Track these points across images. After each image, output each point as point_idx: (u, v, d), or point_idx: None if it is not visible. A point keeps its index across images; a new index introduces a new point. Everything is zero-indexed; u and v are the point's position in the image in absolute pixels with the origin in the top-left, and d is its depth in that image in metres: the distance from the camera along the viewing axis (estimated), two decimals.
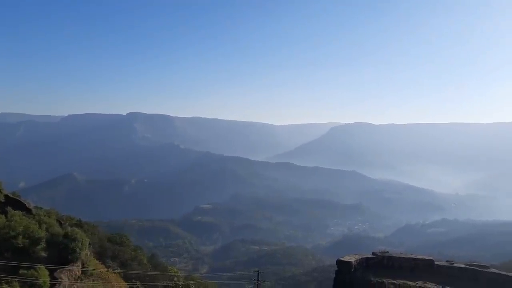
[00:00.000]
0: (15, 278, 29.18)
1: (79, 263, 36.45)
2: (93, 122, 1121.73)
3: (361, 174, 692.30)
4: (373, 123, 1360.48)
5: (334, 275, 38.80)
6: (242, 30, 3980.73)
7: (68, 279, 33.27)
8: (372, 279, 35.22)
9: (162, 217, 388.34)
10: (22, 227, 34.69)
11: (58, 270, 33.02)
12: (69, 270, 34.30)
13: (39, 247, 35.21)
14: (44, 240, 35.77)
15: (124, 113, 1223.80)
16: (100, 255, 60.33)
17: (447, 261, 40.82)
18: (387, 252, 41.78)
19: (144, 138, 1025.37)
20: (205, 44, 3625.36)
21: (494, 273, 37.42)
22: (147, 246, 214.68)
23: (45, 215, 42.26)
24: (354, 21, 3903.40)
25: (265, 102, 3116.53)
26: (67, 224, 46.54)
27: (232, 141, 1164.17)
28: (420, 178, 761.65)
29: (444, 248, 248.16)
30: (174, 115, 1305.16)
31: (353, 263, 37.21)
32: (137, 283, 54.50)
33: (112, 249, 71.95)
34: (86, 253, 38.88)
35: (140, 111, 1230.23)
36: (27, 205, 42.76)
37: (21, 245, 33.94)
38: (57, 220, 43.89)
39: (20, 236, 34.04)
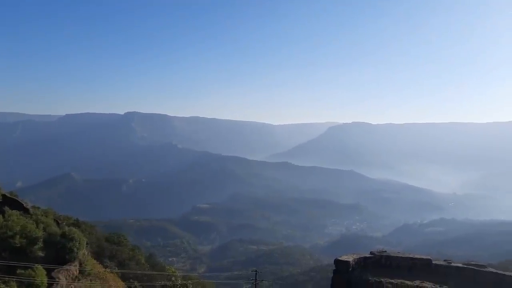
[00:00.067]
0: (13, 278, 29.12)
1: (76, 263, 36.42)
2: (91, 122, 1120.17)
3: (359, 173, 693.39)
4: (371, 122, 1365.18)
5: (332, 275, 38.79)
6: (241, 30, 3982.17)
7: (66, 279, 33.22)
8: (370, 278, 35.24)
9: (160, 217, 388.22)
10: (19, 226, 34.65)
11: (56, 270, 32.99)
12: (67, 270, 34.27)
13: (36, 246, 35.17)
14: (41, 239, 35.73)
15: (122, 113, 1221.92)
16: (98, 255, 60.23)
17: (445, 261, 40.84)
18: (385, 251, 41.77)
19: (142, 137, 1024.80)
20: (203, 43, 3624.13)
21: (492, 272, 37.47)
22: (145, 246, 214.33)
23: (42, 215, 42.23)
24: (353, 22, 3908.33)
25: (263, 102, 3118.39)
26: (64, 223, 46.48)
27: (231, 140, 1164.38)
28: (418, 178, 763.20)
29: (442, 247, 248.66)
30: (172, 115, 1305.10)
31: (351, 262, 37.20)
32: (135, 283, 54.45)
33: (110, 249, 71.87)
34: (83, 252, 38.84)
35: (138, 111, 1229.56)
36: (24, 205, 42.67)
37: (19, 245, 33.90)
38: (54, 219, 43.85)
39: (18, 236, 34.00)
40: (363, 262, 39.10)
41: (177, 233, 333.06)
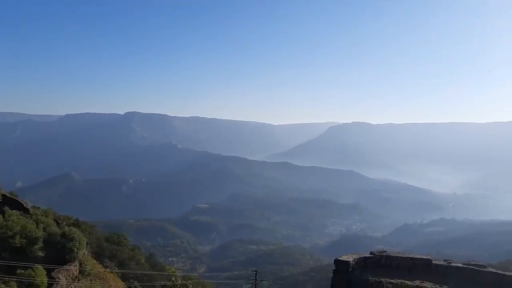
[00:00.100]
0: (13, 278, 29.12)
1: (76, 263, 36.42)
2: (91, 122, 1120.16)
3: (359, 173, 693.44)
4: (371, 122, 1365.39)
5: (332, 275, 38.81)
6: (241, 30, 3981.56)
7: (66, 279, 33.22)
8: (370, 278, 35.24)
9: (160, 217, 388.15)
10: (19, 226, 34.65)
11: (56, 270, 32.99)
12: (67, 270, 34.27)
13: (36, 246, 35.17)
14: (41, 239, 35.73)
15: (122, 113, 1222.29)
16: (98, 255, 60.24)
17: (445, 261, 40.84)
18: (385, 251, 41.78)
19: (142, 137, 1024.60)
20: (203, 43, 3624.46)
21: (492, 272, 37.48)
22: (145, 246, 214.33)
23: (42, 215, 42.23)
24: (352, 22, 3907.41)
25: (263, 102, 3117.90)
26: (64, 223, 46.49)
27: (231, 140, 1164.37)
28: (418, 178, 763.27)
29: (442, 247, 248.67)
30: (172, 115, 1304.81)
31: (351, 262, 37.21)
32: (135, 283, 54.45)
33: (110, 249, 71.88)
34: (83, 252, 38.83)
35: (138, 111, 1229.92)
36: (24, 205, 42.67)
37: (19, 245, 33.90)
38: (54, 219, 43.85)
39: (18, 236, 34.00)
40: (363, 262, 39.11)
41: (177, 233, 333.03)
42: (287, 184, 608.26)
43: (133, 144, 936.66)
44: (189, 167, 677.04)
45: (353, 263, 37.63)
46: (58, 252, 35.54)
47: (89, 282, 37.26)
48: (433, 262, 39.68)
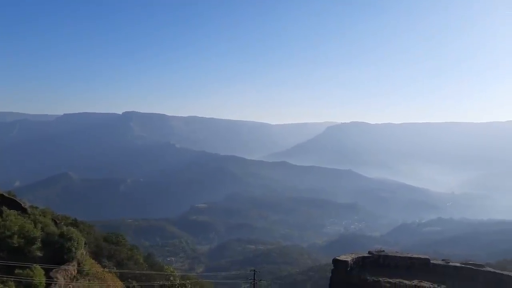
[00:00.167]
0: (11, 278, 29.07)
1: (74, 263, 36.35)
2: (89, 121, 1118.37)
3: (357, 173, 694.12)
4: (369, 122, 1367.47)
5: (330, 274, 38.90)
6: (239, 29, 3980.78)
7: (64, 278, 33.17)
8: (368, 278, 35.33)
9: (158, 217, 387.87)
10: (17, 226, 34.56)
11: (54, 269, 32.93)
12: (65, 269, 34.21)
13: (34, 246, 35.09)
14: (39, 239, 35.65)
15: (120, 112, 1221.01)
16: (96, 255, 60.17)
17: (442, 260, 40.99)
18: (383, 251, 41.91)
19: (140, 137, 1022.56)
20: (201, 43, 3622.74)
21: (490, 271, 37.62)
22: (143, 246, 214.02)
23: (40, 215, 42.11)
24: (350, 22, 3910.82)
25: (261, 102, 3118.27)
26: (62, 223, 46.39)
27: (228, 140, 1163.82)
28: (416, 177, 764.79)
29: (440, 247, 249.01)
30: (170, 114, 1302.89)
31: (349, 262, 37.31)
32: (133, 283, 54.39)
33: (108, 249, 71.79)
34: (82, 252, 38.77)
35: (136, 110, 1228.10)
36: (22, 205, 42.54)
37: (17, 245, 33.82)
38: (52, 219, 43.74)
39: (16, 236, 33.92)
40: (361, 262, 39.21)
41: (175, 232, 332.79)
42: (285, 183, 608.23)
43: (131, 143, 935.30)
44: (187, 166, 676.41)
45: (351, 262, 37.73)
46: (56, 252, 35.47)
47: (87, 282, 37.20)
48: (431, 261, 39.83)
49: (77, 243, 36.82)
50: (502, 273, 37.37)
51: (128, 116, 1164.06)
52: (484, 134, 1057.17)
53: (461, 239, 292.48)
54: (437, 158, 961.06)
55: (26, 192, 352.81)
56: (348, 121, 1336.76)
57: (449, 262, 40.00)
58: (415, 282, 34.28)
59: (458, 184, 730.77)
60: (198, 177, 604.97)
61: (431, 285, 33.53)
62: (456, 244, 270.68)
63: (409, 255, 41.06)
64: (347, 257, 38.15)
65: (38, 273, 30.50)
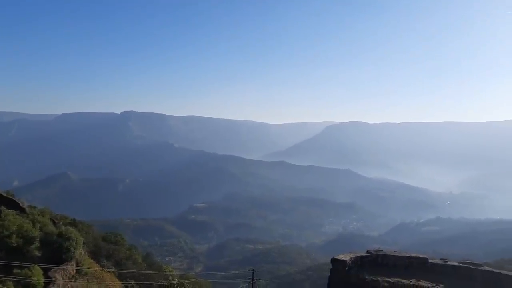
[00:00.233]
0: (9, 277, 29.04)
1: (73, 262, 36.31)
2: (88, 121, 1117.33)
3: (355, 172, 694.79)
4: (368, 122, 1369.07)
5: (329, 274, 38.94)
6: (238, 29, 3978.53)
7: (62, 278, 33.15)
8: (366, 277, 35.38)
9: (157, 216, 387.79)
10: (16, 226, 34.51)
11: (52, 269, 32.88)
12: (63, 269, 34.16)
13: (33, 246, 35.04)
14: (38, 239, 35.60)
15: (119, 112, 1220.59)
16: (95, 254, 60.15)
17: (441, 259, 41.06)
18: (382, 250, 41.96)
19: (138, 137, 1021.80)
20: (200, 43, 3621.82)
21: (488, 271, 37.69)
22: (142, 245, 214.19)
23: (39, 214, 42.08)
24: (350, 21, 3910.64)
25: (260, 101, 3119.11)
26: (61, 223, 46.34)
27: (227, 140, 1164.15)
28: (415, 177, 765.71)
29: (438, 246, 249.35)
30: (169, 114, 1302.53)
31: (347, 261, 37.34)
32: (132, 282, 54.36)
33: (107, 248, 71.76)
34: (80, 252, 38.73)
35: (135, 110, 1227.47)
36: (21, 204, 42.49)
37: (15, 245, 33.77)
38: (51, 219, 43.70)
39: (14, 236, 33.86)
40: (359, 261, 39.26)
41: (174, 232, 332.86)
42: (283, 183, 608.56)
43: (130, 143, 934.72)
44: (186, 166, 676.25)
45: (350, 262, 37.76)
46: (55, 252, 35.41)
47: (86, 281, 37.18)
48: (429, 260, 39.89)
49: (75, 243, 36.78)
50: (500, 272, 37.44)
51: (127, 115, 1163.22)
52: (483, 134, 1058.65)
53: (459, 238, 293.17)
54: (436, 157, 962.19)
55: (24, 192, 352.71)
56: (347, 121, 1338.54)
57: (447, 261, 40.07)
58: (413, 281, 34.34)
59: (457, 184, 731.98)
60: (196, 176, 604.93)
61: (429, 284, 33.59)
62: (455, 244, 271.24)
63: (407, 255, 41.12)
64: (346, 257, 38.19)
65: (36, 273, 30.46)
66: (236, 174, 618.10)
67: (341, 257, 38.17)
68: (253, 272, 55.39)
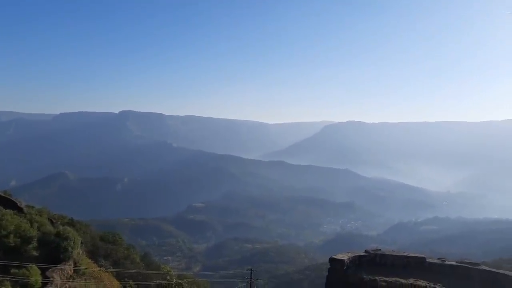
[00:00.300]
0: (7, 277, 28.97)
1: (71, 262, 36.25)
2: (86, 120, 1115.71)
3: (354, 172, 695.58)
4: (366, 121, 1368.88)
5: (327, 273, 38.97)
6: (236, 29, 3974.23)
7: (60, 278, 33.08)
8: (364, 276, 35.41)
9: (155, 216, 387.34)
10: (13, 226, 34.43)
11: (50, 269, 32.82)
12: (61, 269, 34.09)
13: (30, 246, 34.97)
14: (35, 239, 35.53)
15: (117, 112, 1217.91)
16: (93, 254, 60.05)
17: (438, 259, 41.14)
18: (380, 250, 42.03)
19: (136, 136, 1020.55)
20: (199, 42, 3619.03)
21: (485, 270, 37.78)
22: (140, 245, 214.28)
23: (36, 214, 42.00)
24: (349, 21, 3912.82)
25: (258, 101, 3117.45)
26: (59, 223, 46.23)
27: (225, 139, 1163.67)
28: (413, 176, 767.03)
29: (436, 245, 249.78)
30: (167, 114, 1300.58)
31: (345, 261, 37.40)
32: (130, 282, 54.28)
33: (105, 248, 71.68)
34: (78, 252, 38.65)
35: (133, 109, 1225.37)
36: (18, 204, 42.41)
37: (13, 244, 33.69)
38: (48, 219, 43.62)
39: (12, 235, 33.79)
40: (358, 261, 39.31)
41: (172, 232, 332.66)
42: (282, 183, 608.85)
43: (128, 143, 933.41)
44: (184, 166, 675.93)
45: (348, 261, 37.81)
46: (53, 252, 35.35)
47: (83, 281, 37.11)
48: (427, 260, 39.96)
49: (73, 243, 36.71)
50: (497, 272, 37.54)
51: (125, 115, 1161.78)
52: (480, 133, 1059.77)
53: (457, 237, 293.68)
54: (434, 157, 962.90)
55: (22, 192, 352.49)
56: (345, 121, 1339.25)
57: (445, 261, 40.16)
58: (411, 280, 34.39)
59: (454, 183, 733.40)
60: (195, 176, 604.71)
61: (427, 284, 33.63)
62: (453, 243, 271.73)
63: (405, 254, 41.20)
64: (344, 256, 38.24)
65: (34, 273, 30.40)
66: (235, 173, 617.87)
67: (339, 256, 38.22)
68: (251, 272, 55.36)
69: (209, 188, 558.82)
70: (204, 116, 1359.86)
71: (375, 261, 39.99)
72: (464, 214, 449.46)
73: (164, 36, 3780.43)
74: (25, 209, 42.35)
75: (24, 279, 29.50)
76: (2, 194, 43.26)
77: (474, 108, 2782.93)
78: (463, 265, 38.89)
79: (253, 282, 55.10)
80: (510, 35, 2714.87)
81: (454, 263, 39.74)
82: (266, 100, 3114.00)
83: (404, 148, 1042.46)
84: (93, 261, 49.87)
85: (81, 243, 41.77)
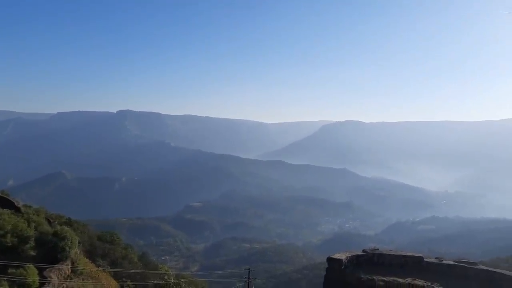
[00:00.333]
0: (4, 277, 28.92)
1: (68, 262, 36.18)
2: (84, 120, 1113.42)
3: (352, 172, 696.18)
4: (364, 121, 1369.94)
5: (325, 273, 39.02)
6: (235, 29, 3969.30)
7: (58, 278, 33.03)
8: (362, 276, 35.45)
9: (153, 215, 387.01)
10: (10, 225, 34.35)
11: (47, 269, 32.76)
12: (59, 269, 34.03)
13: (28, 246, 34.88)
14: (33, 238, 35.45)
15: (115, 111, 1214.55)
16: (90, 254, 59.90)
17: (436, 258, 41.21)
18: (377, 249, 42.10)
19: (135, 136, 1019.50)
20: (197, 42, 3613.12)
21: (483, 269, 37.87)
22: (137, 245, 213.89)
23: (34, 214, 41.91)
24: (349, 21, 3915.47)
25: (257, 101, 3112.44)
26: (56, 222, 46.15)
27: (224, 139, 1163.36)
28: (411, 176, 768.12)
29: (434, 245, 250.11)
30: (165, 113, 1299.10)
31: (343, 260, 37.43)
32: (128, 282, 54.23)
33: (102, 248, 71.59)
34: (75, 251, 38.59)
35: (131, 109, 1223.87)
36: (15, 204, 42.32)
37: (10, 244, 33.61)
38: (46, 218, 43.53)
39: (9, 235, 33.71)
40: (355, 260, 39.35)
41: (170, 231, 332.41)
42: (281, 182, 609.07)
43: (126, 142, 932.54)
44: (182, 165, 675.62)
45: (346, 261, 37.85)
46: (50, 251, 35.28)
47: (81, 281, 37.05)
48: (425, 259, 40.03)
49: (71, 242, 36.65)
50: (495, 271, 37.64)
51: (123, 114, 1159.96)
52: (479, 133, 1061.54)
53: (455, 237, 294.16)
54: (432, 156, 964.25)
55: (19, 191, 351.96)
56: (343, 120, 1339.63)
57: (442, 260, 40.24)
58: (409, 280, 34.44)
59: (452, 183, 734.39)
60: (193, 175, 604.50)
61: (424, 283, 33.69)
62: (451, 242, 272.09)
63: (403, 254, 41.26)
64: (342, 256, 38.28)
65: (31, 273, 30.35)
66: (233, 173, 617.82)
67: (337, 256, 38.27)
68: (249, 271, 55.39)
69: (208, 187, 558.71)
70: (203, 115, 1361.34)
71: (373, 261, 40.04)
72: (462, 214, 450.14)
73: (163, 35, 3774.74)
74: (22, 209, 42.25)
75: (21, 279, 29.44)
76: (0, 194, 43.16)
77: (473, 107, 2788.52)
78: (461, 264, 38.98)
79: (251, 281, 55.12)
80: (510, 35, 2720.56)
81: (451, 262, 39.82)
82: (265, 100, 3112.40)
83: (403, 148, 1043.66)
84: (90, 261, 49.77)
85: (79, 242, 41.68)
